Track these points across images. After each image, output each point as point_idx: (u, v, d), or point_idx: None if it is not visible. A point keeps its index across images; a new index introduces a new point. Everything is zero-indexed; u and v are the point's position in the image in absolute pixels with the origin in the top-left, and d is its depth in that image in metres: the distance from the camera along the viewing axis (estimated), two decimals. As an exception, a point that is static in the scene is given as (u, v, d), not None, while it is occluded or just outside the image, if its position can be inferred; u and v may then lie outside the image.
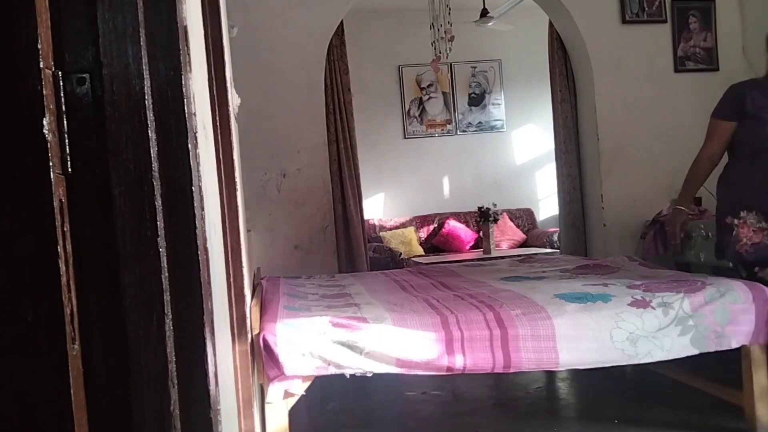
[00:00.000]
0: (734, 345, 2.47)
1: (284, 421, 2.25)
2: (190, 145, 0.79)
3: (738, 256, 2.75)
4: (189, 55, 0.84)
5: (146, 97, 0.74)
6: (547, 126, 5.70)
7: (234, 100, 2.37)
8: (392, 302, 2.63)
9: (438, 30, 4.98)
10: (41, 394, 0.66)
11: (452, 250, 6.49)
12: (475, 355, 2.26)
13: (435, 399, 3.27)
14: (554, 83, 4.87)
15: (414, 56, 6.66)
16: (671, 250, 4.10)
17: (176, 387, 0.75)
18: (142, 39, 0.74)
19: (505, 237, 6.61)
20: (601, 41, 4.51)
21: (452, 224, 6.67)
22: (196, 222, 0.79)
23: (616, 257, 3.58)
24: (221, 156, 1.65)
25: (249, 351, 2.00)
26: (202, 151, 0.97)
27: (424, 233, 6.67)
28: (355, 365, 2.20)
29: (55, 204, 0.67)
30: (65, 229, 0.69)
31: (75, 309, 0.69)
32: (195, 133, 0.82)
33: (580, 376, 3.33)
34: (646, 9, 4.55)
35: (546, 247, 6.11)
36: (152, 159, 0.74)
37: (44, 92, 0.67)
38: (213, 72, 1.66)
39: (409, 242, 6.46)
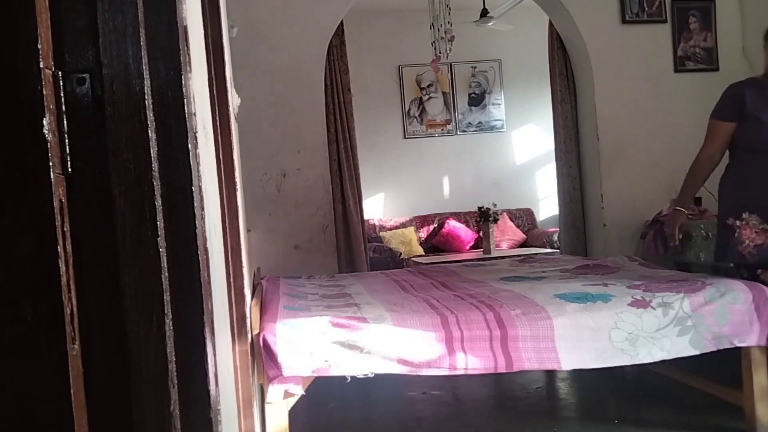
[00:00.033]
0: (734, 345, 2.47)
1: (284, 421, 2.25)
2: (190, 145, 0.79)
3: (741, 258, 2.72)
4: (189, 55, 0.84)
5: (146, 97, 0.74)
6: (547, 126, 5.70)
7: (234, 100, 2.37)
8: (392, 302, 2.63)
9: (438, 30, 4.98)
10: (41, 394, 0.66)
11: (452, 250, 6.49)
12: (475, 355, 2.26)
13: (435, 399, 3.27)
14: (554, 83, 4.88)
15: (414, 56, 6.66)
16: (671, 251, 4.11)
17: (176, 387, 0.75)
18: (142, 39, 0.74)
19: (505, 237, 6.61)
20: (601, 41, 4.51)
21: (452, 224, 6.67)
22: (196, 222, 0.79)
23: (616, 257, 3.58)
24: (221, 156, 1.65)
25: (249, 351, 2.00)
26: (202, 151, 0.97)
27: (424, 233, 6.67)
28: (355, 365, 2.20)
29: (55, 204, 0.67)
30: (65, 229, 0.69)
31: (75, 309, 0.69)
32: (195, 133, 0.82)
33: (580, 376, 3.33)
34: (646, 9, 4.55)
35: (546, 247, 6.11)
36: (152, 159, 0.74)
37: (44, 92, 0.67)
38: (213, 72, 1.66)
39: (409, 242, 6.46)
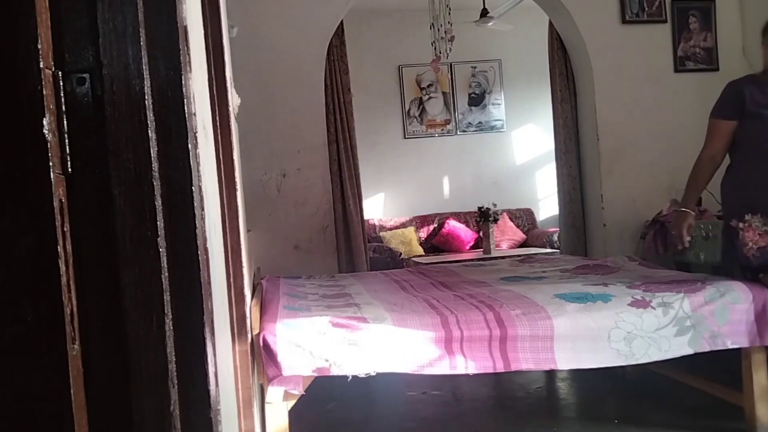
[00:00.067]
0: (733, 345, 2.47)
1: (284, 421, 2.25)
2: (190, 145, 0.79)
3: (746, 260, 2.67)
4: (189, 55, 0.84)
5: (146, 97, 0.74)
6: (547, 126, 5.70)
7: (234, 100, 2.37)
8: (392, 302, 2.63)
9: (438, 30, 4.98)
10: (41, 394, 0.66)
11: (452, 250, 6.48)
12: (475, 355, 2.26)
13: (435, 399, 3.27)
14: (554, 83, 4.87)
15: (414, 56, 6.65)
16: (671, 250, 4.10)
17: (176, 387, 0.75)
18: (142, 39, 0.74)
19: (505, 237, 6.61)
20: (601, 41, 4.51)
21: (452, 224, 6.67)
22: (196, 222, 0.79)
23: (616, 257, 3.58)
24: (221, 156, 1.65)
25: (249, 351, 2.00)
26: (202, 151, 0.97)
27: (424, 233, 6.67)
28: (355, 365, 2.20)
29: (55, 204, 0.67)
30: (65, 229, 0.69)
31: (75, 309, 0.69)
32: (195, 133, 0.82)
33: (580, 376, 3.33)
34: (646, 9, 4.55)
35: (546, 247, 6.11)
36: (152, 159, 0.74)
37: (44, 92, 0.67)
38: (213, 72, 1.66)
39: (409, 242, 6.46)
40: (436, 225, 6.72)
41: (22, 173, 0.66)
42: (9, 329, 0.66)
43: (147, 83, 0.74)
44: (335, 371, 2.20)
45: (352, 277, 3.74)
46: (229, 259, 1.63)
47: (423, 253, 6.43)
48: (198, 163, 0.83)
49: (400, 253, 6.02)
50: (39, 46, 0.66)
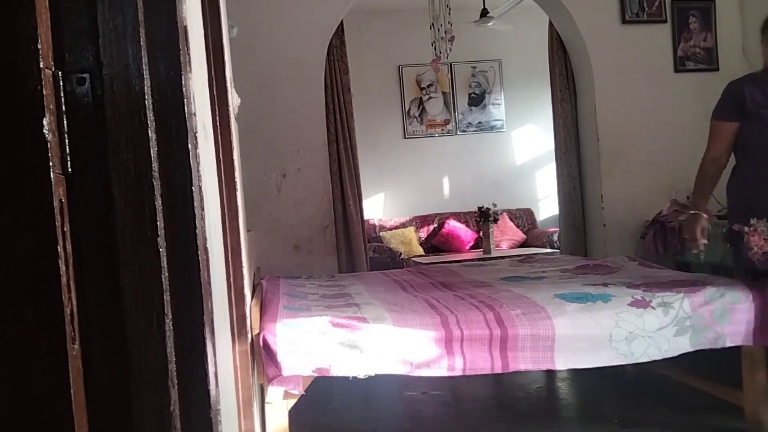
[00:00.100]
0: (734, 344, 2.47)
1: (284, 421, 2.25)
2: (190, 145, 0.79)
3: (751, 264, 2.63)
4: (189, 55, 0.84)
5: (146, 97, 0.74)
6: (547, 126, 5.70)
7: (234, 100, 2.37)
8: (392, 302, 2.63)
9: (438, 30, 4.98)
10: (41, 394, 0.66)
11: (452, 250, 6.48)
12: (475, 355, 2.26)
13: (435, 399, 3.27)
14: (554, 83, 4.88)
15: (414, 56, 6.65)
16: (671, 250, 4.10)
17: (176, 387, 0.75)
18: (142, 39, 0.74)
19: (505, 237, 6.61)
20: (601, 41, 4.51)
21: (452, 224, 6.67)
22: (196, 222, 0.79)
23: (616, 257, 3.58)
24: (221, 156, 1.65)
25: (249, 351, 2.00)
26: (202, 151, 0.97)
27: (424, 233, 6.67)
28: (355, 365, 2.20)
29: (55, 204, 0.67)
30: (65, 229, 0.69)
31: (75, 309, 0.69)
32: (195, 133, 0.82)
33: (580, 376, 3.33)
34: (646, 9, 4.55)
35: (546, 247, 6.11)
36: (152, 159, 0.74)
37: (44, 92, 0.67)
38: (213, 72, 1.66)
39: (409, 242, 6.46)
40: (436, 225, 6.72)
41: (22, 173, 0.66)
42: (9, 329, 0.66)
43: (147, 83, 0.74)
44: (335, 371, 2.20)
45: (352, 277, 3.74)
46: (229, 259, 1.63)
47: (423, 253, 6.43)
48: (198, 163, 0.83)
49: (400, 253, 6.02)
50: (39, 46, 0.66)
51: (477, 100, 7.12)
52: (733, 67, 4.53)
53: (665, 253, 4.13)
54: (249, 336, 2.04)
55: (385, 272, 3.92)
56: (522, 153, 7.17)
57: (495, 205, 5.95)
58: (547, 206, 7.03)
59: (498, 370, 2.29)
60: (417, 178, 6.94)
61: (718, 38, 4.64)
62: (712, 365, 2.73)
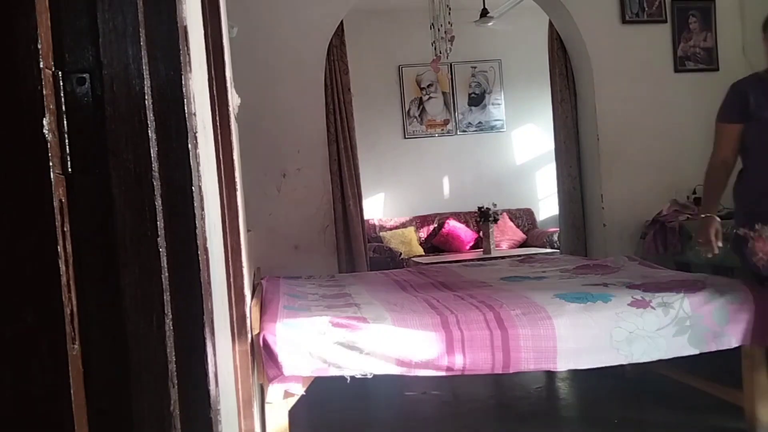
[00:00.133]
0: (733, 345, 2.47)
1: (284, 421, 2.25)
2: (190, 145, 0.79)
3: (755, 269, 2.58)
4: (189, 55, 0.84)
5: (146, 97, 0.74)
6: (547, 126, 5.70)
7: (234, 100, 2.37)
8: (392, 302, 2.63)
9: (438, 30, 4.98)
10: (41, 394, 0.66)
11: (452, 250, 6.48)
12: (475, 355, 2.26)
13: (435, 399, 3.27)
14: (554, 83, 4.88)
15: (414, 56, 6.65)
16: (671, 250, 4.10)
17: (176, 387, 0.75)
18: (142, 39, 0.74)
19: (505, 237, 6.61)
20: (601, 41, 4.51)
21: (452, 224, 6.67)
22: (196, 222, 0.79)
23: (616, 257, 3.58)
24: (221, 156, 1.65)
25: (249, 351, 2.00)
26: (202, 151, 0.97)
27: (424, 233, 6.67)
28: (355, 365, 2.20)
29: (55, 204, 0.67)
30: (65, 229, 0.69)
31: (75, 309, 0.69)
32: (195, 133, 0.82)
33: (580, 376, 3.33)
34: (646, 9, 4.55)
35: (546, 247, 6.11)
36: (152, 159, 0.74)
37: (44, 92, 0.67)
38: (213, 72, 1.66)
39: (409, 242, 6.46)
40: (436, 225, 6.71)
41: (22, 173, 0.66)
42: (9, 329, 0.66)
43: (147, 83, 0.74)
44: (335, 371, 2.20)
45: (352, 277, 3.74)
46: (229, 259, 1.63)
47: (423, 253, 6.43)
48: (198, 163, 0.83)
49: (400, 253, 6.02)
50: (39, 46, 0.66)
51: (477, 100, 7.12)
52: (733, 67, 4.53)
53: (665, 253, 4.13)
54: (249, 336, 2.04)
55: (385, 272, 3.92)
56: (522, 153, 7.17)
57: (495, 205, 5.95)
58: (547, 206, 7.03)
59: (498, 370, 2.29)
60: (417, 178, 6.94)
61: (718, 38, 4.64)
62: (712, 365, 2.73)
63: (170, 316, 0.75)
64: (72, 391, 0.67)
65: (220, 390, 0.88)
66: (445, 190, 7.05)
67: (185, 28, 0.82)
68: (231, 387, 1.51)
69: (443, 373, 2.28)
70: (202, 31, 1.40)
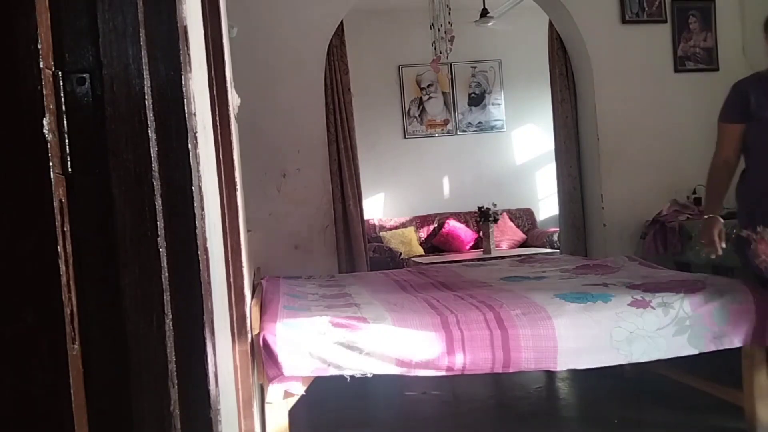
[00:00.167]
0: (733, 345, 2.47)
1: (284, 421, 2.25)
2: (190, 145, 0.79)
3: (759, 271, 2.55)
4: (189, 55, 0.84)
5: (146, 97, 0.74)
6: (547, 126, 5.70)
7: (234, 100, 2.37)
8: (392, 302, 2.63)
9: (438, 30, 4.98)
10: (41, 394, 0.66)
11: (452, 250, 6.48)
12: (475, 355, 2.26)
13: (435, 399, 3.27)
14: (554, 83, 4.88)
15: (414, 56, 6.65)
16: (671, 250, 4.10)
17: (176, 387, 0.75)
18: (142, 39, 0.74)
19: (505, 237, 6.61)
20: (601, 41, 4.51)
21: (452, 224, 6.67)
22: (196, 222, 0.79)
23: (616, 257, 3.58)
24: (221, 156, 1.65)
25: (249, 351, 2.00)
26: (202, 151, 0.97)
27: (424, 233, 6.67)
28: (355, 365, 2.20)
29: (55, 204, 0.67)
30: (65, 229, 0.69)
31: (75, 309, 0.69)
32: (195, 133, 0.82)
33: (580, 376, 3.33)
34: (646, 9, 4.55)
35: (546, 247, 6.11)
36: (152, 159, 0.74)
37: (44, 92, 0.67)
38: (213, 72, 1.66)
39: (409, 242, 6.46)
40: (436, 225, 6.72)
41: (22, 173, 0.66)
42: (9, 329, 0.66)
43: (147, 83, 0.74)
44: (335, 371, 2.20)
45: (352, 277, 3.74)
46: (229, 259, 1.63)
47: (423, 253, 6.43)
48: (198, 163, 0.83)
49: (400, 253, 6.02)
50: (39, 46, 0.66)
51: (477, 100, 7.12)
52: (733, 67, 4.53)
53: (665, 253, 4.13)
54: (249, 336, 2.04)
55: (385, 272, 3.92)
56: (522, 153, 7.17)
57: (495, 205, 5.95)
58: (547, 206, 7.03)
59: (498, 369, 2.29)
60: (417, 178, 6.94)
61: (718, 38, 4.64)
62: (712, 365, 2.73)
63: (170, 316, 0.75)
64: (72, 391, 0.67)
65: (220, 390, 0.88)
66: (445, 190, 7.05)
67: (185, 28, 0.82)
68: (231, 387, 1.51)
69: (443, 373, 2.28)
70: (202, 31, 1.40)
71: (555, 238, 5.89)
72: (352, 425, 2.95)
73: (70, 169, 0.71)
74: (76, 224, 0.71)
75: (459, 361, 2.25)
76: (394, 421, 3.03)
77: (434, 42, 5.08)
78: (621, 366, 2.64)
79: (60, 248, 0.67)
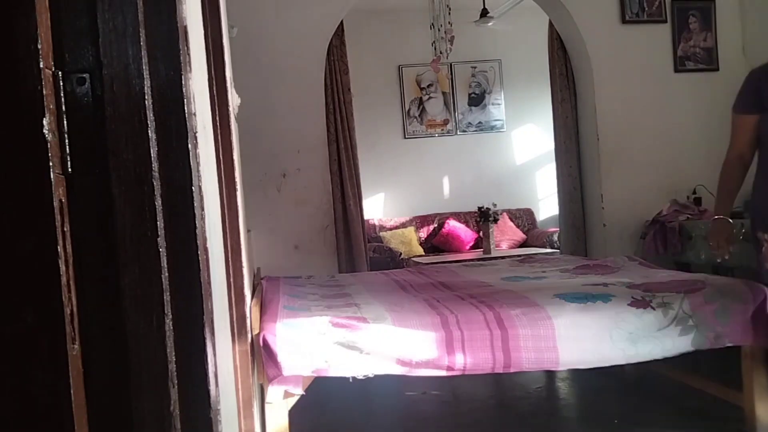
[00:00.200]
0: (734, 344, 2.46)
1: (284, 421, 2.25)
2: (190, 145, 0.79)
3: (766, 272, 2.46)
4: (189, 55, 0.84)
5: (146, 97, 0.74)
6: (547, 126, 5.70)
7: (234, 100, 2.37)
8: (392, 302, 2.63)
9: (438, 30, 4.98)
10: (41, 394, 0.66)
11: (452, 250, 6.48)
12: (475, 355, 2.26)
13: (435, 399, 3.27)
14: (554, 83, 4.88)
15: (414, 56, 6.65)
16: (671, 250, 4.10)
17: (176, 387, 0.75)
18: (142, 39, 0.74)
19: (505, 237, 6.61)
20: (601, 41, 4.52)
21: (452, 224, 6.67)
22: (196, 222, 0.79)
23: (616, 257, 3.58)
24: (221, 156, 1.65)
25: (249, 351, 2.00)
26: (202, 151, 0.97)
27: (424, 233, 6.67)
28: (355, 365, 2.20)
29: (55, 204, 0.67)
30: (65, 229, 0.69)
31: (75, 309, 0.69)
32: (195, 133, 0.82)
33: (580, 376, 3.33)
34: (646, 9, 4.55)
35: (546, 247, 6.11)
36: (152, 159, 0.74)
37: (44, 92, 0.67)
38: (213, 72, 1.66)
39: (409, 242, 6.46)
40: (436, 225, 6.72)
41: (22, 173, 0.66)
42: (9, 329, 0.66)
43: (147, 83, 0.74)
44: (335, 371, 2.20)
45: (352, 277, 3.74)
46: (229, 259, 1.63)
47: (423, 253, 6.43)
48: (198, 163, 0.83)
49: (400, 253, 6.02)
50: (39, 46, 0.66)
51: (477, 100, 7.12)
52: (733, 67, 4.54)
53: (665, 253, 4.13)
54: (249, 336, 2.04)
55: (385, 272, 3.92)
56: (522, 153, 7.17)
57: (495, 205, 5.95)
58: (547, 206, 7.03)
59: (499, 370, 2.29)
60: (417, 178, 6.94)
61: (718, 38, 4.64)
62: (712, 365, 2.73)
63: (170, 316, 0.75)
64: (72, 391, 0.67)
65: (220, 390, 0.88)
66: (445, 190, 7.05)
67: (185, 28, 0.82)
68: (231, 387, 1.51)
69: (444, 373, 2.28)
70: (202, 31, 1.40)
71: (555, 238, 5.89)
72: (352, 425, 2.95)
73: (70, 169, 0.71)
74: (76, 224, 0.71)
75: (459, 360, 2.25)
76: (394, 421, 3.03)
77: (434, 42, 5.08)
78: (621, 366, 2.64)
79: (60, 248, 0.67)
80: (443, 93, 7.05)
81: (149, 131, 0.74)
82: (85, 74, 0.72)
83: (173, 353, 0.75)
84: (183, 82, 0.78)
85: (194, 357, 0.78)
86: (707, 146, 4.31)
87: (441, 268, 3.93)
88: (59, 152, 0.69)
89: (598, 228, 4.62)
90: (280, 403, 2.24)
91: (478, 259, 5.41)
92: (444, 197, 7.00)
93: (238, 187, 1.95)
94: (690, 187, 4.47)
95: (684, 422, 2.73)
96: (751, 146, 2.51)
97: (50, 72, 0.69)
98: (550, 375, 3.49)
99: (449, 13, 4.84)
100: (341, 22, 4.45)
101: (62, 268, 0.67)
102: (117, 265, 0.73)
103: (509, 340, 2.28)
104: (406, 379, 2.34)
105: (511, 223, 6.76)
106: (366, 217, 4.85)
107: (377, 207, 6.86)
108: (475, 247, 6.54)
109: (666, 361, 2.44)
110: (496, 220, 5.96)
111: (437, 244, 6.61)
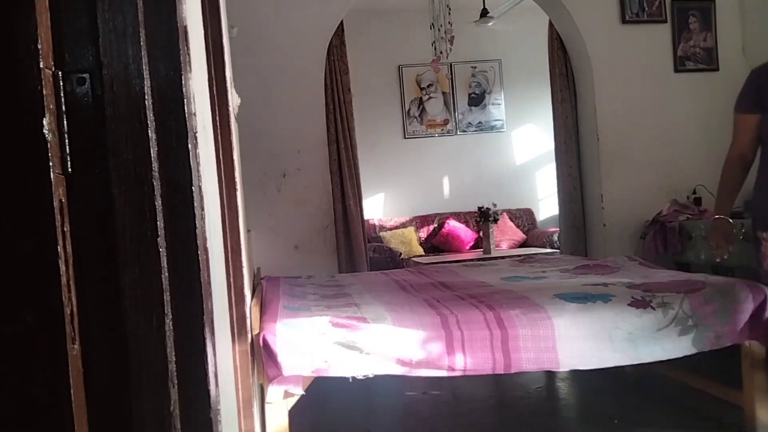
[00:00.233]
0: (734, 344, 2.46)
1: (284, 421, 2.25)
2: (190, 145, 0.79)
3: (765, 271, 2.45)
4: (189, 55, 0.84)
5: (146, 97, 0.74)
6: (547, 126, 5.70)
7: (234, 100, 2.37)
8: (392, 302, 2.63)
9: (438, 30, 4.98)
10: (41, 394, 0.66)
11: (452, 250, 6.48)
12: (475, 356, 2.26)
13: (435, 399, 3.27)
14: (554, 83, 4.88)
15: (414, 56, 6.65)
16: (671, 250, 4.10)
17: (176, 387, 0.75)
18: (142, 39, 0.74)
19: (505, 237, 6.61)
20: (601, 41, 4.52)
21: (452, 224, 6.67)
22: (196, 222, 0.79)
23: (616, 257, 3.58)
24: (221, 156, 1.65)
25: (249, 351, 1.99)
26: (202, 151, 0.97)
27: (424, 233, 6.67)
28: (355, 365, 2.20)
29: (55, 204, 0.67)
30: (65, 229, 0.69)
31: (75, 309, 0.69)
32: (195, 133, 0.82)
33: (580, 376, 3.33)
34: (646, 9, 4.55)
35: (546, 247, 6.11)
36: (152, 159, 0.74)
37: (44, 92, 0.67)
38: (213, 72, 1.66)
39: (409, 242, 6.46)
40: (436, 225, 6.72)
41: (22, 173, 0.66)
42: (9, 329, 0.66)
43: (147, 83, 0.74)
44: (335, 371, 2.20)
45: (352, 277, 3.74)
46: (229, 259, 1.63)
47: (423, 253, 6.43)
48: (198, 163, 0.83)
49: (400, 253, 6.02)
50: (39, 46, 0.66)
51: (477, 100, 7.12)
52: (733, 67, 4.54)
53: (665, 253, 4.13)
54: (249, 336, 2.04)
55: (385, 272, 3.92)
56: (522, 153, 7.17)
57: (495, 205, 5.95)
58: (547, 206, 7.03)
59: (499, 370, 2.29)
60: (417, 178, 6.94)
61: (718, 38, 4.64)
62: (712, 365, 2.73)
63: (170, 316, 0.75)
64: (72, 391, 0.67)
65: (220, 390, 0.88)
66: (445, 190, 7.05)
67: (185, 28, 0.82)
68: (231, 387, 1.51)
69: (444, 373, 2.28)
70: (202, 31, 1.40)
71: (555, 238, 5.89)
72: (352, 425, 2.95)
73: (70, 169, 0.71)
74: (76, 224, 0.71)
75: (459, 361, 2.25)
76: (394, 421, 3.03)
77: (434, 42, 5.07)
78: (621, 366, 2.64)
79: (60, 248, 0.67)
80: (443, 93, 7.05)
81: (149, 131, 0.74)
82: (85, 74, 0.72)
83: (173, 353, 0.75)
84: (183, 82, 0.78)
85: (194, 357, 0.78)
86: (707, 146, 4.31)
87: (441, 268, 3.93)
88: (59, 152, 0.69)
89: (598, 228, 4.62)
90: (280, 403, 2.24)
91: (478, 259, 5.41)
92: (444, 197, 7.01)
93: (238, 186, 1.95)
94: (690, 187, 4.47)
95: (684, 422, 2.73)
96: (752, 146, 2.51)
97: (50, 72, 0.69)
98: (550, 375, 3.49)
99: (449, 13, 4.84)
100: (341, 22, 4.45)
101: (62, 268, 0.67)
102: (117, 265, 0.73)
103: (509, 340, 2.28)
104: (406, 379, 2.34)
105: (511, 223, 6.76)
106: (366, 217, 4.85)
107: (377, 207, 6.86)
108: (475, 247, 6.54)
109: (666, 360, 2.44)
110: (496, 220, 5.96)
111: (437, 244, 6.61)
